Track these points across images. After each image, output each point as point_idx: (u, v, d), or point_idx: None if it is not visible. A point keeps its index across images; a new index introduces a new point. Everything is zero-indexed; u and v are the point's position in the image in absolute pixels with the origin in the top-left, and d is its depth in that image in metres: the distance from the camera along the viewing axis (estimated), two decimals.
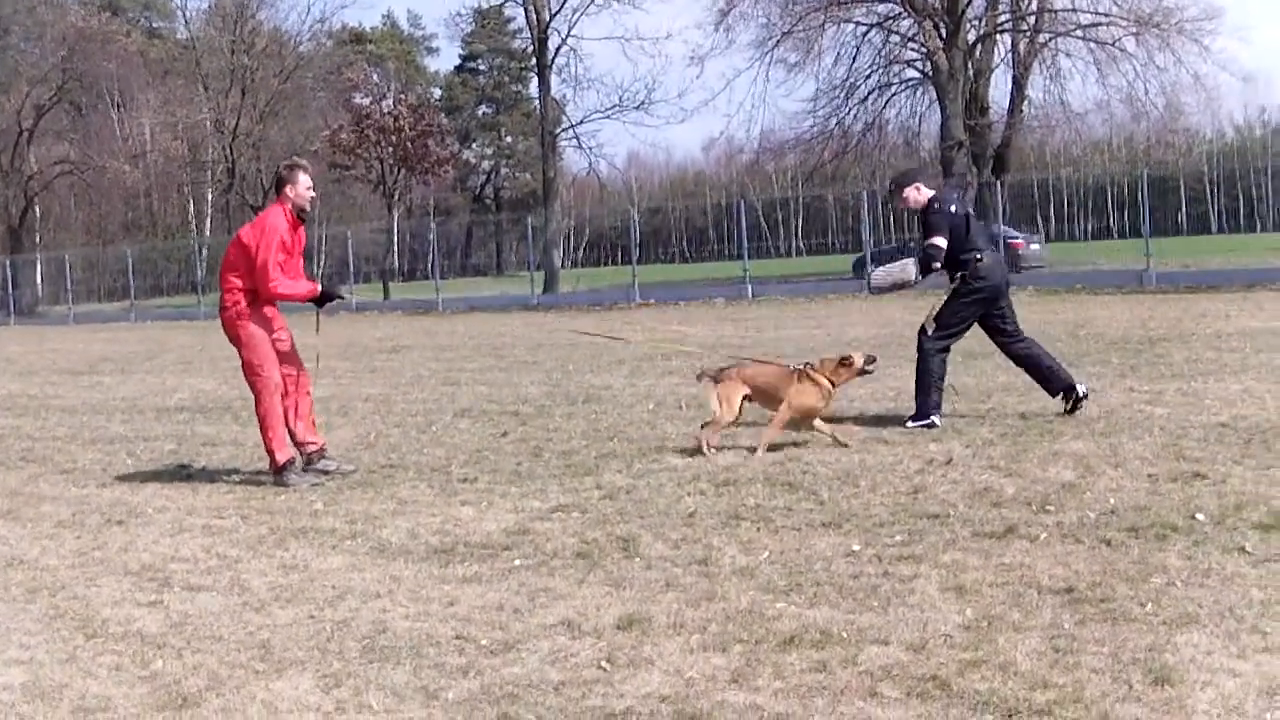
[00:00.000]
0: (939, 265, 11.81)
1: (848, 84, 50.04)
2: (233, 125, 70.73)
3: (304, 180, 10.89)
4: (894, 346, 18.96)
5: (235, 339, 10.93)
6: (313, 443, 11.05)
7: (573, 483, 9.91)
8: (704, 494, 9.14)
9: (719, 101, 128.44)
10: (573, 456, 11.10)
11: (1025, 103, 49.19)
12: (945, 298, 11.92)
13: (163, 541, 8.77)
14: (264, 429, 10.78)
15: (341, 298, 12.09)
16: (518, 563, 7.50)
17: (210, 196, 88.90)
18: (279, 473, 10.70)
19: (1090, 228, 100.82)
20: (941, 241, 11.71)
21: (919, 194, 12.13)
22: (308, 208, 10.98)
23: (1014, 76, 48.95)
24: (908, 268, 12.17)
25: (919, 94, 50.54)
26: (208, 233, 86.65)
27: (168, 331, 44.10)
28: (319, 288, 11.08)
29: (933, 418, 11.63)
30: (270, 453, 10.74)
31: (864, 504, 8.49)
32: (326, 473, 10.86)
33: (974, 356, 15.46)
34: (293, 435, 10.91)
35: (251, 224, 10.95)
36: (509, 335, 29.21)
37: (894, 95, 50.82)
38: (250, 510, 9.69)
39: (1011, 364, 12.32)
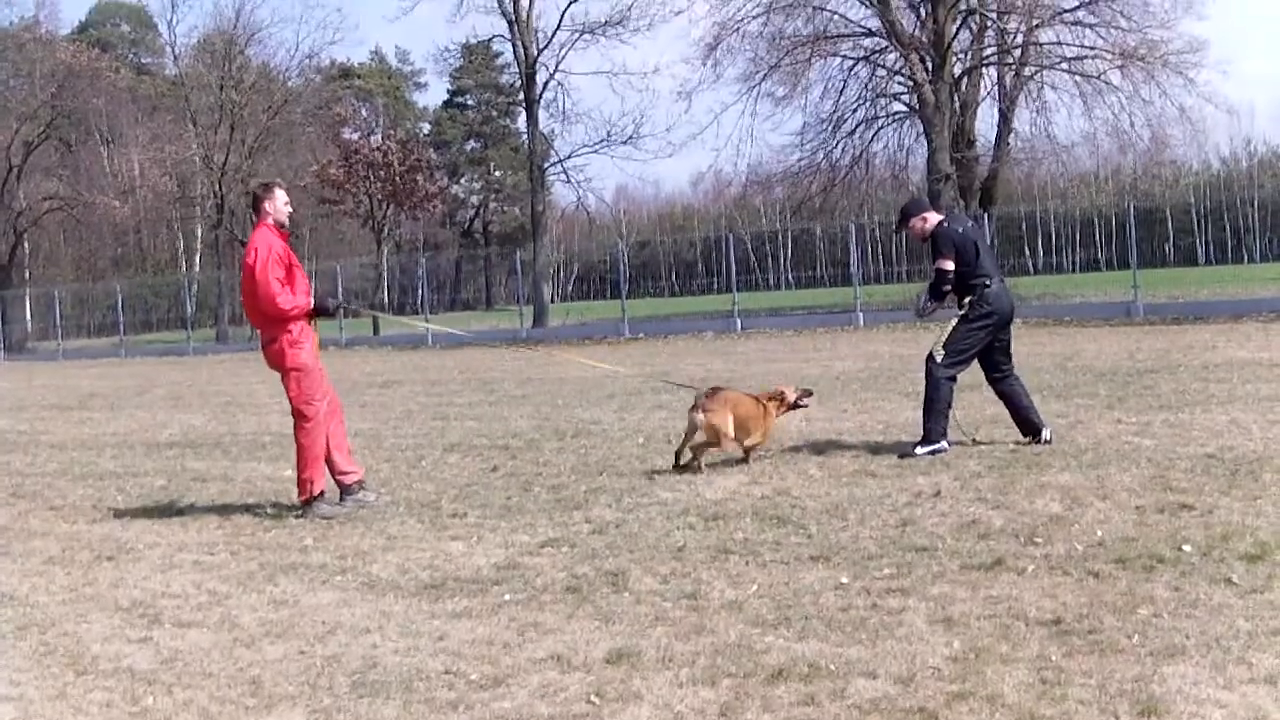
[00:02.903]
0: (949, 289, 11.91)
1: (835, 117, 50.03)
2: (222, 161, 70.54)
3: (280, 195, 11.07)
4: (881, 380, 19.01)
5: (286, 368, 10.87)
6: (353, 472, 11.15)
7: (562, 517, 9.91)
8: (693, 528, 9.15)
9: (707, 135, 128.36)
10: (562, 491, 11.10)
11: (1012, 135, 49.23)
12: (954, 323, 11.99)
13: (153, 577, 8.77)
14: (304, 459, 10.83)
15: (331, 314, 12.11)
16: (507, 597, 7.51)
17: (200, 232, 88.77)
18: (309, 503, 10.75)
19: (1078, 260, 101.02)
20: (948, 264, 11.83)
21: (924, 223, 12.31)
22: (287, 222, 11.09)
23: (1000, 109, 48.99)
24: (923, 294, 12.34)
25: (906, 127, 50.59)
26: (197, 268, 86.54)
27: (157, 367, 44.06)
28: (311, 302, 11.07)
29: (942, 443, 11.71)
30: (307, 482, 10.77)
31: (853, 537, 8.51)
32: (365, 503, 10.94)
33: (961, 389, 15.49)
34: (331, 466, 10.98)
35: (248, 248, 10.96)
36: (498, 370, 29.19)
37: (881, 128, 50.85)
38: (240, 546, 9.68)
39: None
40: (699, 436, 11.59)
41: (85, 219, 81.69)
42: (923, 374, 12.10)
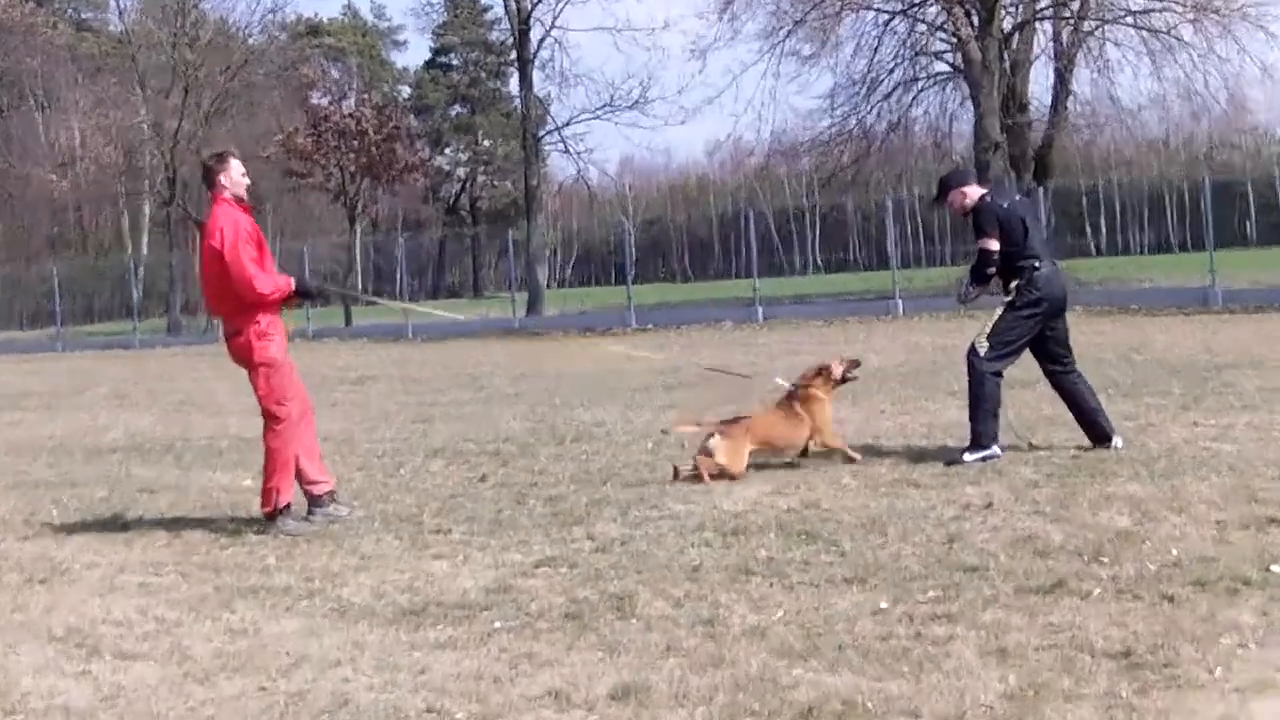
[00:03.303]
0: (993, 271, 11.86)
1: (869, 78, 49.97)
2: (174, 129, 70.38)
3: (236, 165, 11.02)
4: (924, 376, 18.98)
5: (254, 363, 10.81)
6: (323, 481, 11.12)
7: (560, 533, 9.88)
8: (710, 545, 9.12)
9: (724, 99, 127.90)
10: (560, 503, 11.07)
11: (1069, 98, 49.10)
12: (999, 311, 11.94)
13: (92, 602, 8.73)
14: (272, 465, 10.78)
15: (312, 297, 12.09)
16: (498, 625, 7.48)
17: (148, 209, 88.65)
18: (273, 516, 10.71)
19: (1146, 240, 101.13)
20: (993, 244, 11.78)
21: (964, 197, 12.24)
22: (245, 195, 11.04)
23: (1056, 69, 48.86)
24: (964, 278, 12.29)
25: (949, 89, 50.57)
26: (145, 250, 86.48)
27: (100, 362, 44.08)
28: (294, 282, 11.03)
29: (993, 448, 11.67)
30: (273, 492, 10.73)
31: (892, 555, 8.47)
32: (337, 517, 10.90)
33: (1014, 385, 15.45)
34: (299, 475, 10.95)
35: (209, 227, 10.90)
36: (488, 364, 29.19)
37: (921, 91, 50.80)
38: (192, 566, 9.65)
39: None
40: (707, 465, 11.60)
41: (18, 194, 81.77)
42: (974, 373, 12.01)
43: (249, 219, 10.86)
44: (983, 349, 11.80)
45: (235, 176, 10.92)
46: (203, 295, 11.30)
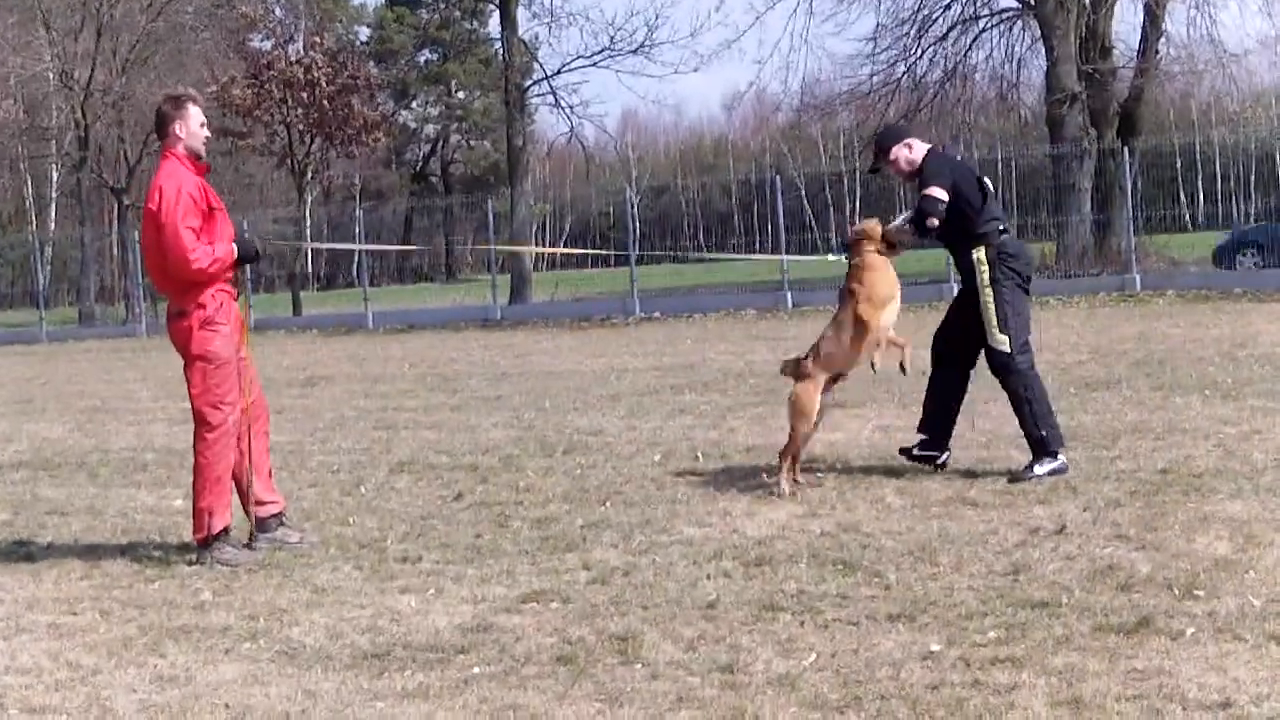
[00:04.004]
0: (935, 224, 11.99)
1: (919, 17, 49.83)
2: (85, 79, 70.30)
3: (195, 114, 10.96)
4: (981, 373, 18.98)
5: (191, 355, 10.79)
6: (271, 502, 11.16)
7: (551, 561, 9.94)
8: (729, 576, 9.17)
9: (746, 42, 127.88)
10: (551, 526, 11.14)
11: (1161, 41, 48.92)
12: (989, 297, 12.08)
13: None
14: (202, 482, 10.77)
15: (258, 257, 12.01)
16: (477, 670, 7.53)
17: (55, 175, 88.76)
18: (208, 544, 10.69)
19: (1253, 210, 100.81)
20: (941, 193, 11.91)
21: (910, 150, 12.47)
22: (203, 151, 11.02)
23: (1146, 5, 48.66)
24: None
25: (1016, 30, 50.40)
26: (52, 225, 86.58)
27: None
28: (234, 249, 10.99)
29: (1060, 457, 11.83)
30: (203, 513, 10.71)
31: (945, 588, 8.52)
32: (286, 544, 10.94)
33: (1093, 388, 15.49)
34: (243, 495, 10.99)
35: (151, 187, 10.85)
36: (463, 362, 29.22)
37: (983, 32, 50.65)
38: (113, 602, 9.69)
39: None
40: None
41: None
42: (1010, 376, 12.08)
43: (198, 180, 10.80)
44: (1005, 345, 11.99)
45: (193, 126, 10.87)
46: (146, 269, 11.26)
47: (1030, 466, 11.75)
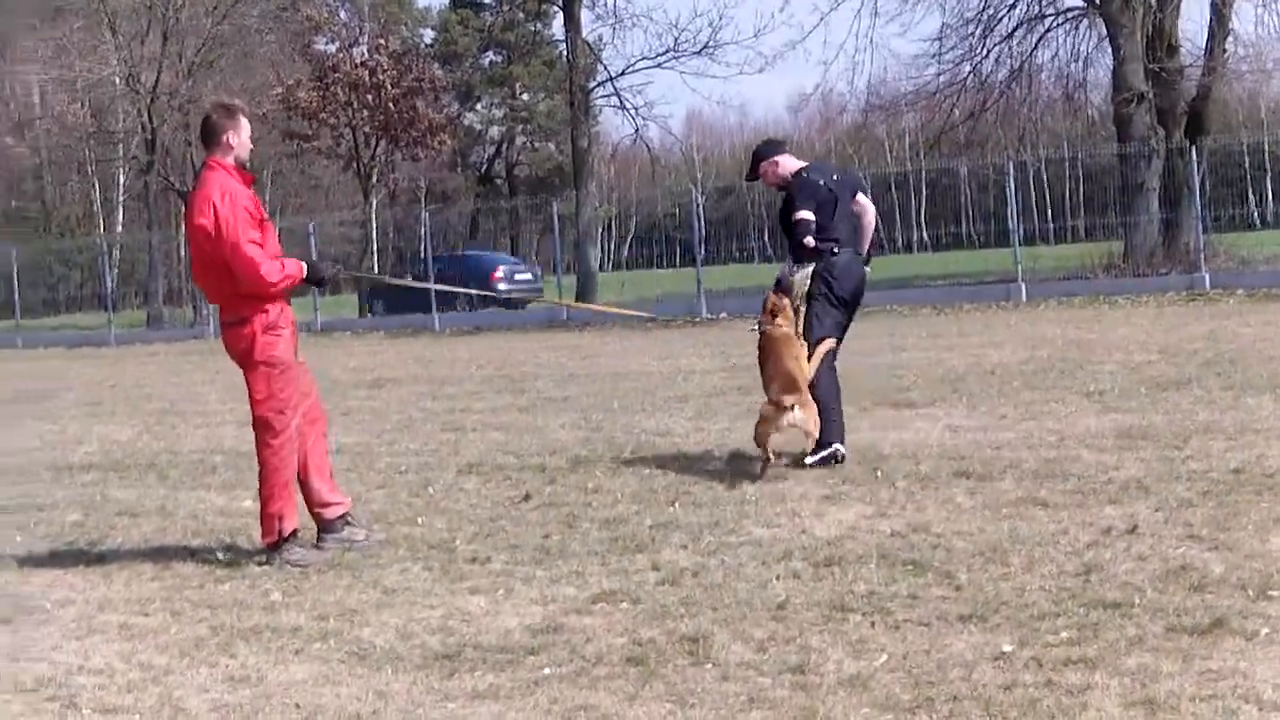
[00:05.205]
0: (812, 243, 13.04)
1: (985, 17, 49.60)
2: (151, 82, 70.46)
3: (246, 125, 10.98)
4: (1053, 375, 18.93)
5: (255, 361, 10.83)
6: (337, 503, 11.16)
7: (620, 562, 9.95)
8: (798, 577, 9.16)
9: (811, 43, 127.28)
10: (620, 527, 11.14)
11: (1229, 39, 48.60)
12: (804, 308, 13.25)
13: (67, 647, 8.82)
14: (270, 487, 10.80)
15: (325, 281, 12.04)
16: (547, 671, 7.54)
17: (122, 179, 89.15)
18: (277, 546, 10.74)
19: None
20: (808, 214, 13.03)
21: (778, 167, 13.75)
22: (248, 163, 11.05)
23: (1212, 3, 48.49)
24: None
25: (1083, 29, 50.12)
26: (119, 227, 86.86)
27: (67, 361, 44.34)
28: (305, 266, 11.09)
29: (835, 446, 12.93)
30: (274, 518, 10.75)
31: (1016, 589, 8.49)
32: (354, 543, 10.96)
33: (1163, 387, 15.42)
34: (308, 496, 11.01)
35: (198, 199, 10.79)
36: (531, 363, 29.24)
37: (1049, 31, 50.41)
38: (184, 603, 9.73)
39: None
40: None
41: None
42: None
43: (249, 192, 10.82)
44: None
45: (244, 137, 10.89)
46: (195, 279, 11.25)
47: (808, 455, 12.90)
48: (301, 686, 7.58)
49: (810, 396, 12.64)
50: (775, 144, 14.64)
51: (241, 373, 11.01)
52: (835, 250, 13.24)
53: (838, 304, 13.37)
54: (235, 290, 10.71)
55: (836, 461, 12.85)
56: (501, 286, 55.21)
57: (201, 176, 10.92)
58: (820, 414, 12.71)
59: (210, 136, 10.94)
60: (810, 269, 13.16)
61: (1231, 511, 10.03)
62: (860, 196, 13.64)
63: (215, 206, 10.53)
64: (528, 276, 58.81)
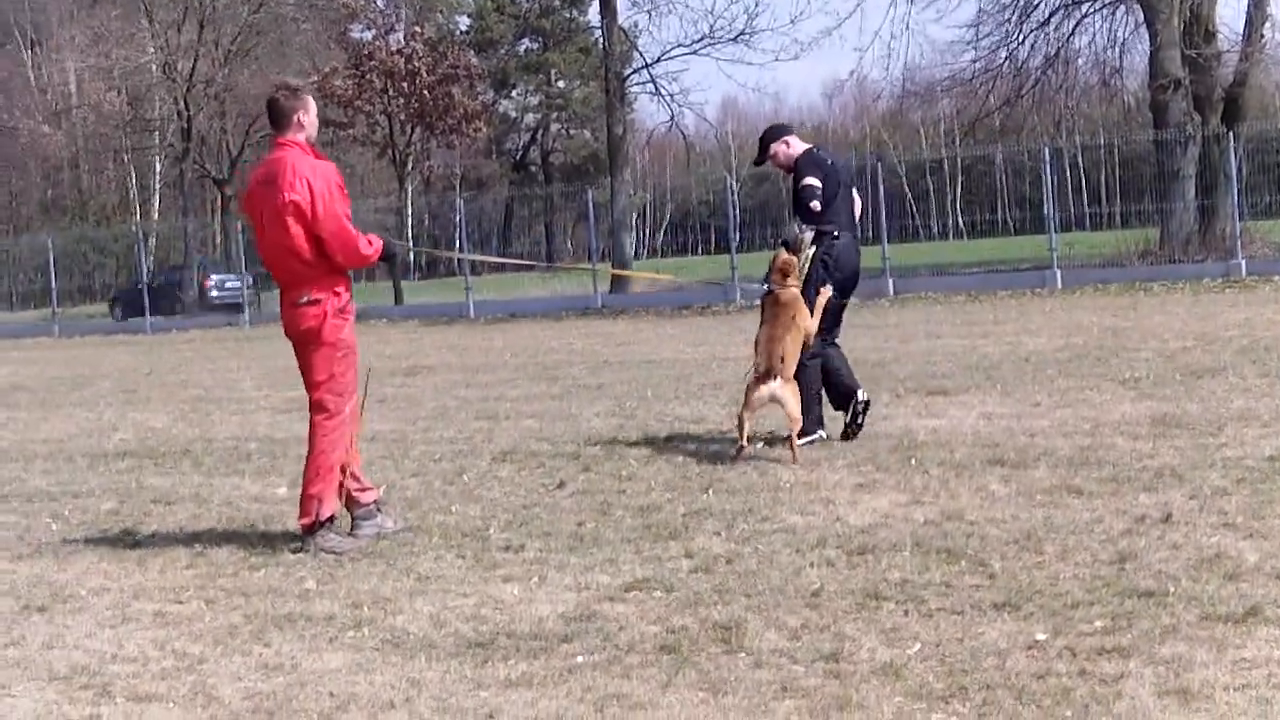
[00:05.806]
0: (819, 206, 13.41)
1: (1021, 2, 49.55)
2: (188, 70, 70.55)
3: (313, 104, 11.04)
4: (1088, 362, 18.89)
5: (323, 341, 10.79)
6: (370, 489, 11.18)
7: (654, 550, 9.94)
8: (832, 565, 9.15)
9: (846, 30, 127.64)
10: (653, 514, 11.13)
11: (1267, 24, 48.42)
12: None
13: (101, 635, 8.83)
14: (317, 468, 10.80)
15: (397, 257, 12.04)
16: (580, 659, 7.54)
17: (158, 167, 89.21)
18: (312, 530, 10.73)
19: None
20: (815, 181, 13.45)
21: (788, 147, 14.17)
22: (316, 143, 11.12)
23: None
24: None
25: (1119, 14, 49.99)
26: (155, 215, 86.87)
27: (103, 349, 44.43)
28: (381, 243, 11.13)
29: (818, 433, 13.44)
30: (313, 500, 10.74)
31: (1050, 577, 8.47)
32: (387, 533, 10.96)
33: (1198, 375, 15.37)
34: (347, 482, 11.02)
35: (286, 176, 10.65)
36: (564, 351, 29.24)
37: (1085, 17, 50.25)
38: (219, 591, 9.73)
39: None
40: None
41: (5, 150, 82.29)
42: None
43: (333, 166, 10.91)
44: None
45: (313, 116, 10.93)
46: (261, 257, 11.17)
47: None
48: (335, 674, 7.58)
49: (795, 379, 12.96)
50: (783, 127, 15.01)
51: (296, 355, 10.99)
52: (836, 235, 13.62)
53: (835, 290, 13.60)
54: (309, 270, 10.68)
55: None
56: (214, 294, 63.33)
57: (276, 157, 10.85)
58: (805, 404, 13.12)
59: (281, 118, 10.90)
60: (814, 233, 13.45)
61: (1266, 499, 10.00)
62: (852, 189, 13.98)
63: (309, 182, 10.53)
64: (237, 285, 60.08)
